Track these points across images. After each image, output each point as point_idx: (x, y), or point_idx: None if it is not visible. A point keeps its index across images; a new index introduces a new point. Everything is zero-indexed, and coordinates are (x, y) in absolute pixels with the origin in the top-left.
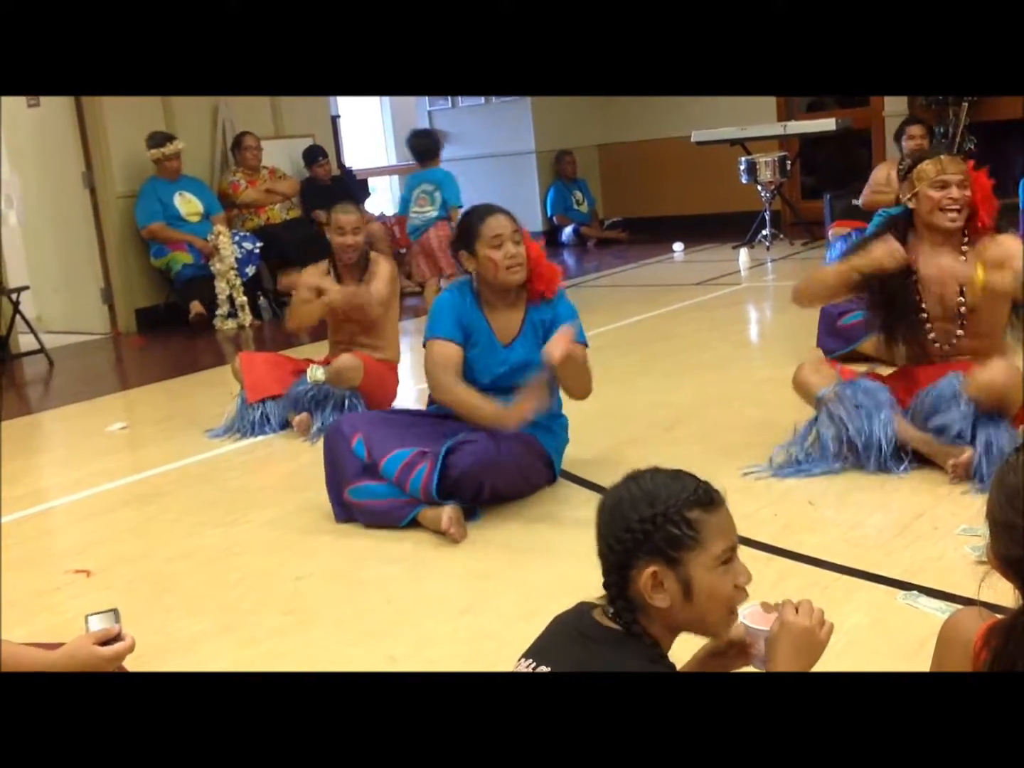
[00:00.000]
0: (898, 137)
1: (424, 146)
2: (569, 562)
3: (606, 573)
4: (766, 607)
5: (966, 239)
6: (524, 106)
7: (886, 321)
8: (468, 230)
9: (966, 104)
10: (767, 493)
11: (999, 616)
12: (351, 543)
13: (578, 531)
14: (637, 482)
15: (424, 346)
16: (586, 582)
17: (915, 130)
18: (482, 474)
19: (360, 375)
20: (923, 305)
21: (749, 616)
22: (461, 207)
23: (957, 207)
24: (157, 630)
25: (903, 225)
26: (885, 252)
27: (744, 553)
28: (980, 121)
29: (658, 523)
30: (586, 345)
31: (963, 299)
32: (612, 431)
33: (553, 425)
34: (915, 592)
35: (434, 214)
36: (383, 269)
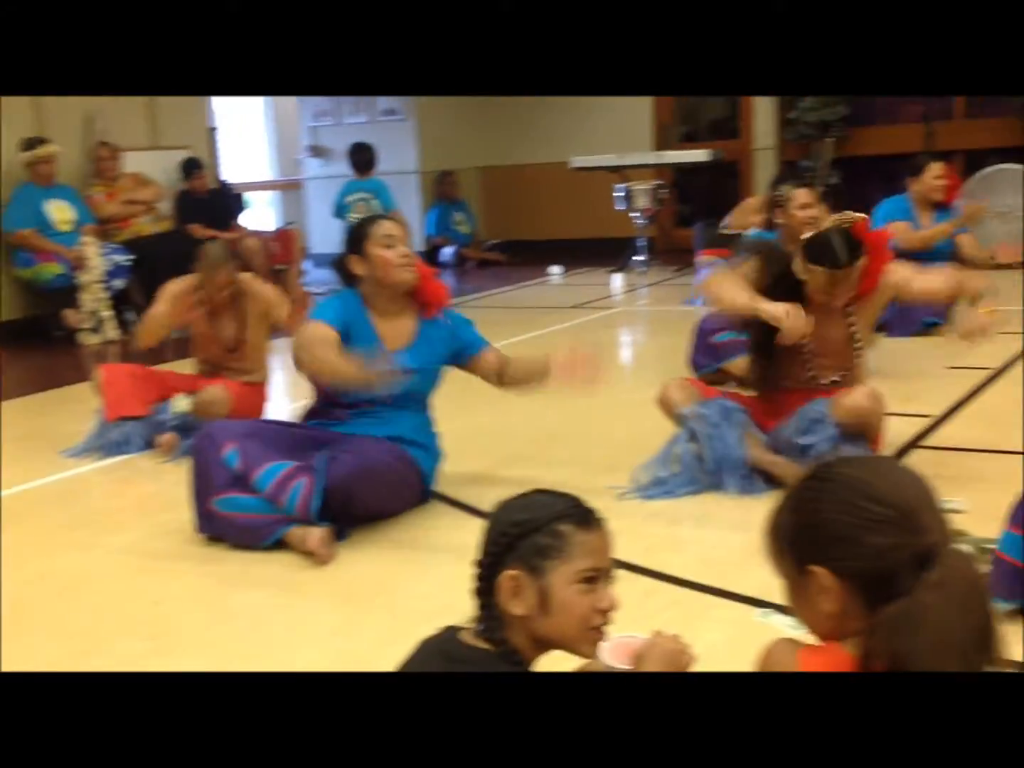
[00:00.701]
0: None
1: (362, 157)
2: (439, 585)
3: (478, 581)
4: (627, 642)
5: None
6: (408, 125)
7: (765, 347)
8: (358, 234)
9: (831, 140)
10: (633, 513)
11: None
12: (216, 567)
13: (448, 554)
14: (522, 496)
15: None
16: (456, 606)
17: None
18: (354, 488)
19: (227, 408)
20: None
21: (610, 650)
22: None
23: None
24: (12, 656)
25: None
26: (789, 322)
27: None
28: (845, 156)
29: (528, 530)
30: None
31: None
32: (486, 451)
33: (426, 441)
34: (769, 609)
35: None
36: (264, 292)
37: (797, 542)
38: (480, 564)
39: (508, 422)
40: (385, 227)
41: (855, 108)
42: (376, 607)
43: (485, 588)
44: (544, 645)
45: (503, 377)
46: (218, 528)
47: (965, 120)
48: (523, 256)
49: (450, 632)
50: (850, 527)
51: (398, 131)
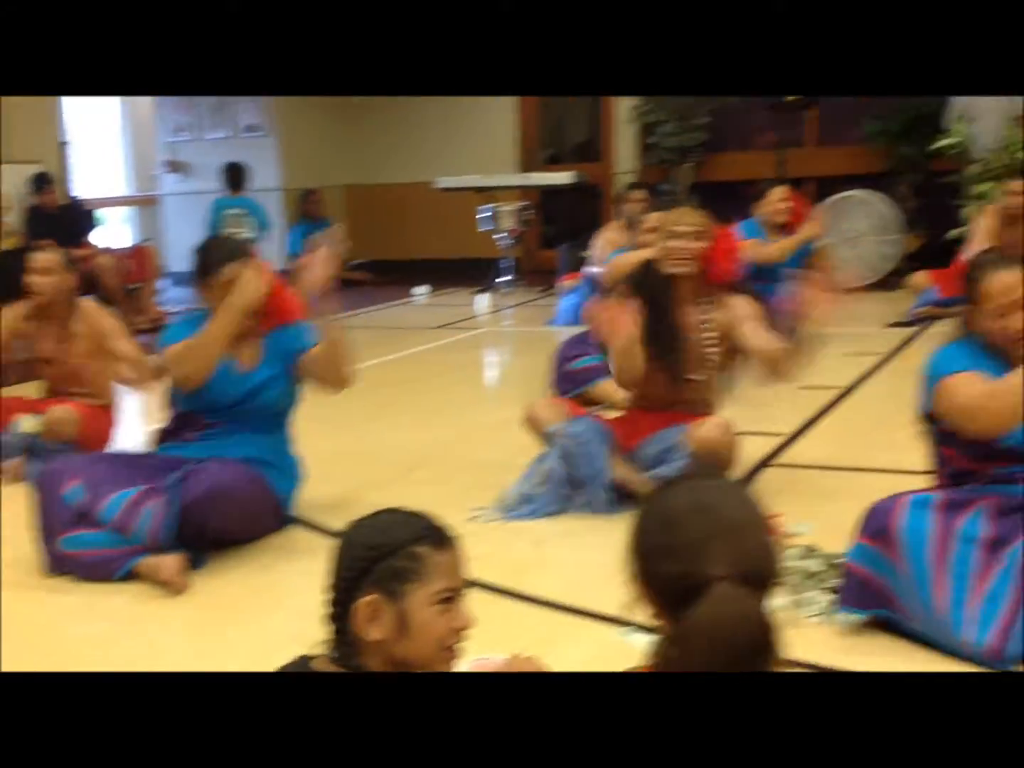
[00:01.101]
0: (619, 200)
1: (235, 175)
2: (296, 614)
3: (331, 607)
4: (484, 663)
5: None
6: (271, 142)
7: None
8: (206, 262)
9: (690, 165)
10: (498, 534)
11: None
12: (60, 598)
13: (307, 579)
14: (375, 517)
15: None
16: (312, 633)
17: (636, 194)
18: (208, 511)
19: (75, 428)
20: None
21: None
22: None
23: (687, 257)
24: None
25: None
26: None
27: (473, 595)
28: (702, 181)
29: (384, 554)
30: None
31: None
32: (349, 474)
33: (282, 463)
34: (631, 628)
35: (250, 236)
36: (99, 322)
37: (627, 557)
38: (333, 589)
39: (372, 444)
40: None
41: (712, 134)
42: (230, 637)
43: (339, 614)
44: (400, 667)
45: (317, 372)
46: (66, 567)
47: (816, 148)
48: (388, 276)
49: (303, 661)
50: (650, 551)
51: (260, 147)
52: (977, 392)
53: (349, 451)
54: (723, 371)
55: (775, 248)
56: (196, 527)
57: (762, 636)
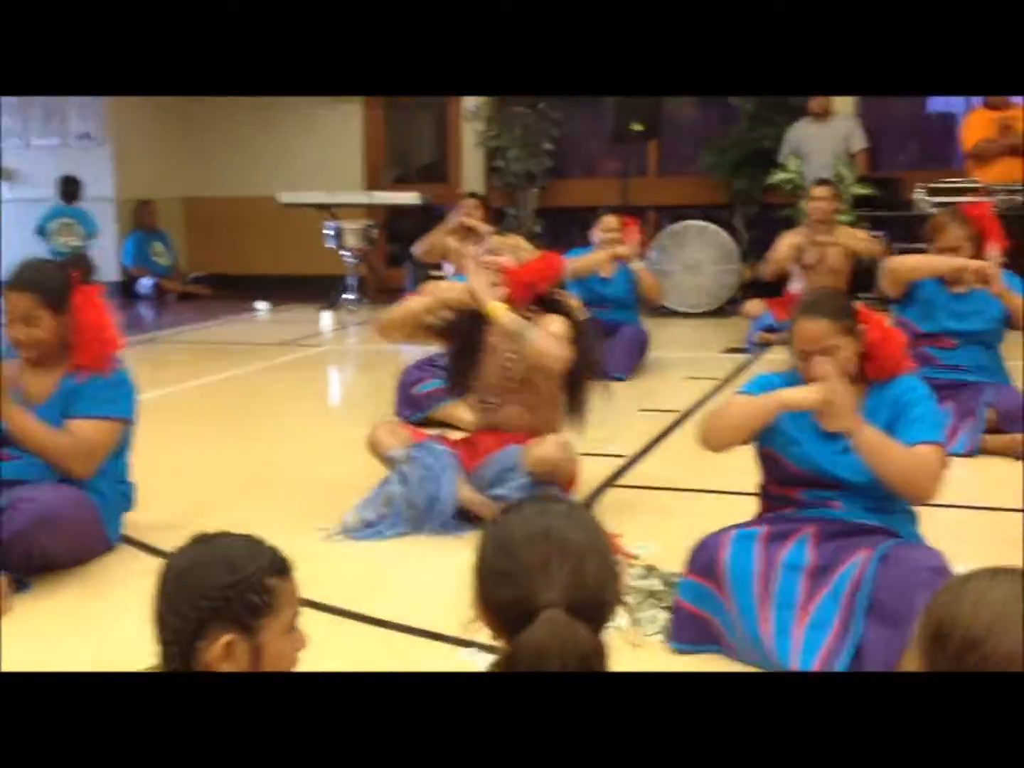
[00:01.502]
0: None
1: (70, 188)
2: (126, 637)
3: (169, 643)
4: None
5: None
6: (104, 150)
7: (458, 373)
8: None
9: (536, 190)
10: (341, 555)
11: None
12: None
13: (139, 598)
14: (210, 547)
15: None
16: (141, 659)
17: (470, 202)
18: (37, 534)
19: None
20: (483, 371)
21: None
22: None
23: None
24: None
25: None
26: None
27: (317, 617)
28: (548, 207)
29: (240, 590)
30: None
31: (515, 365)
32: (188, 494)
33: (108, 485)
34: (475, 648)
35: (79, 244)
36: None
37: (471, 579)
38: (173, 628)
39: (212, 462)
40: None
41: (558, 161)
42: (57, 665)
43: (184, 651)
44: None
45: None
46: None
47: (657, 178)
48: (228, 290)
49: None
50: (487, 575)
51: (93, 156)
52: (711, 411)
53: (188, 469)
54: (564, 393)
55: (585, 260)
56: (23, 553)
57: (583, 668)
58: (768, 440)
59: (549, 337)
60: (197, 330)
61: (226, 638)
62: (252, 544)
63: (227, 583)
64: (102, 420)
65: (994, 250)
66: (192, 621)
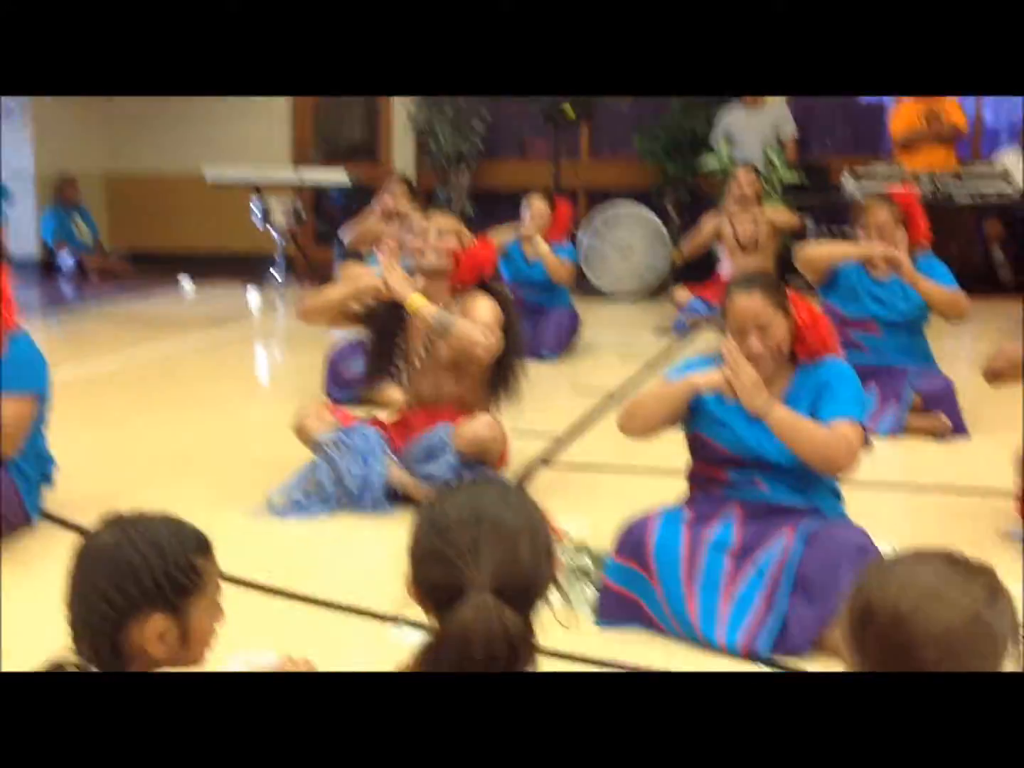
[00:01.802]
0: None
1: None
2: (48, 614)
3: (95, 627)
4: (255, 663)
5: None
6: (23, 124)
7: (377, 360)
8: None
9: (467, 170)
10: (268, 534)
11: None
12: None
13: (60, 576)
14: (133, 528)
15: None
16: (57, 635)
17: (396, 186)
18: None
19: None
20: (414, 350)
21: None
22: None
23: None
24: None
25: None
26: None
27: (246, 596)
28: (479, 188)
29: (169, 572)
30: None
31: (439, 348)
32: (110, 471)
33: (29, 467)
34: (405, 626)
35: None
36: None
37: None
38: (99, 611)
39: (137, 440)
40: None
41: (489, 142)
42: None
43: (111, 634)
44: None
45: None
46: None
47: (590, 161)
48: (152, 267)
49: (56, 666)
50: (420, 556)
51: (13, 130)
52: (631, 399)
53: (111, 446)
54: (494, 373)
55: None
56: None
57: (508, 650)
58: (696, 423)
59: (475, 326)
60: (120, 307)
61: (158, 620)
62: (175, 524)
63: (157, 566)
64: (14, 398)
65: (905, 236)
66: (121, 606)
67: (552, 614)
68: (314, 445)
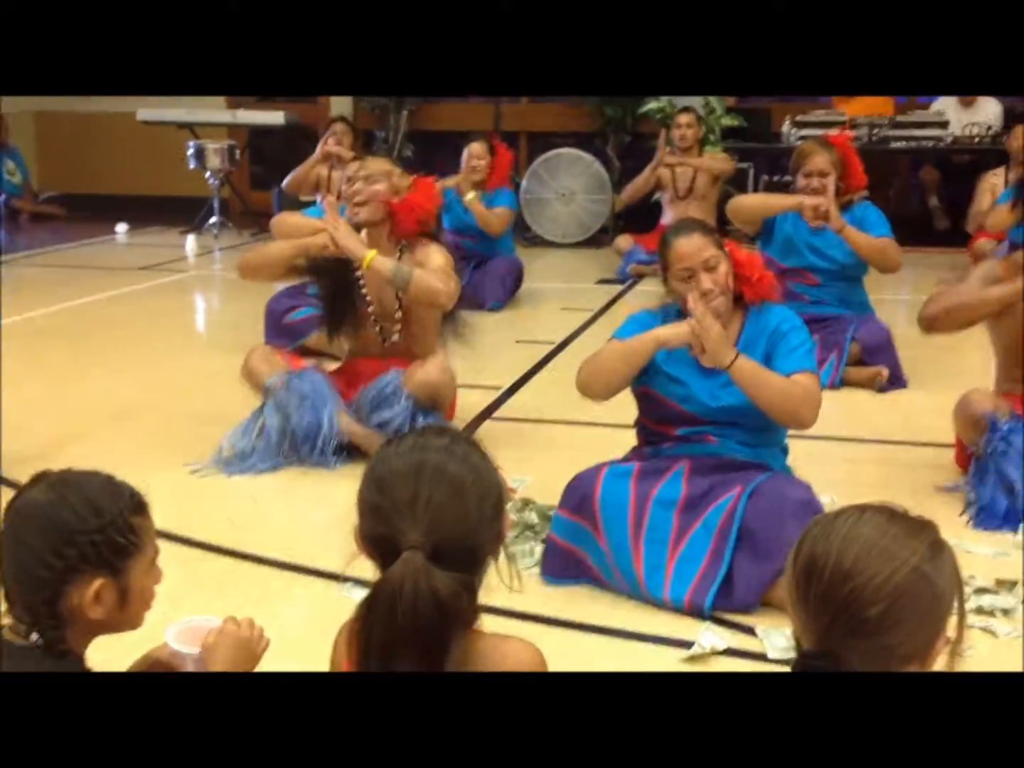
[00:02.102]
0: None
1: None
2: None
3: (30, 589)
4: (197, 627)
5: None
6: None
7: (333, 314)
8: None
9: (406, 112)
10: (212, 489)
11: None
12: None
13: None
14: (66, 488)
15: None
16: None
17: (338, 127)
18: None
19: None
20: (368, 300)
21: (178, 634)
22: None
23: (359, 201)
24: None
25: None
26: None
27: (187, 553)
28: (419, 130)
29: (107, 533)
30: None
31: (399, 298)
32: (46, 426)
33: None
34: (351, 584)
35: None
36: None
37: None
38: (35, 573)
39: (73, 393)
40: None
41: None
42: None
43: (49, 598)
44: (103, 633)
45: None
46: None
47: (529, 103)
48: (84, 211)
49: None
50: (363, 508)
51: None
52: (587, 360)
53: (45, 400)
54: (444, 322)
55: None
56: None
57: (436, 611)
58: (647, 380)
59: (433, 274)
60: (52, 253)
61: (97, 583)
62: (110, 482)
63: (94, 527)
64: None
65: (836, 183)
66: (58, 569)
67: (496, 572)
68: (263, 389)
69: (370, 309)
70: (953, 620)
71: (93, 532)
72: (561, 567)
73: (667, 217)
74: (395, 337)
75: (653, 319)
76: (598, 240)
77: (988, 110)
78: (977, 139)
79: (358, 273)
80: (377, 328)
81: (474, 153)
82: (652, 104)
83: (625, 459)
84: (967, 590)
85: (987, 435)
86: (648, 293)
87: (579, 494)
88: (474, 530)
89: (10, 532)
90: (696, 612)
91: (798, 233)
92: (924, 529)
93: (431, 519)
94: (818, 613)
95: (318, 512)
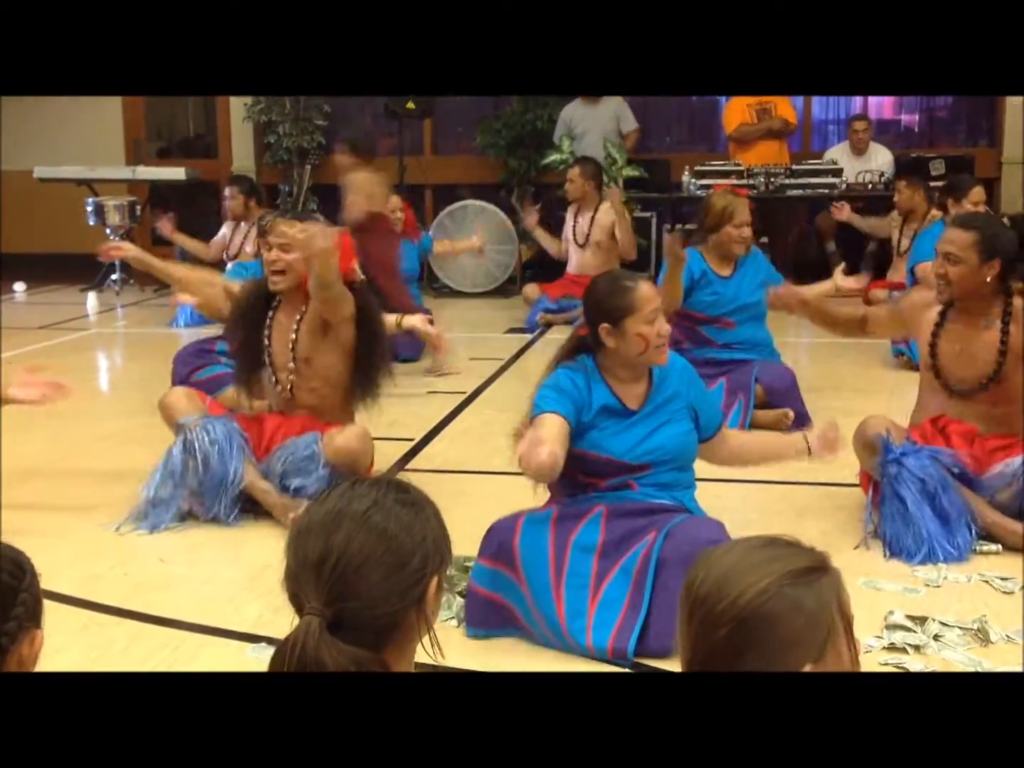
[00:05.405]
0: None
1: None
2: None
3: None
4: None
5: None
6: None
7: (241, 366)
8: None
9: (310, 166)
10: (118, 550)
11: None
12: None
13: None
14: None
15: None
16: None
17: (233, 190)
18: None
19: None
20: (270, 352)
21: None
22: None
23: (278, 269)
24: None
25: None
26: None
27: (92, 617)
28: (323, 183)
29: (33, 587)
30: None
31: (293, 348)
32: None
33: None
34: (263, 644)
35: None
36: None
37: None
38: None
39: None
40: None
41: (331, 137)
42: None
43: None
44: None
45: None
46: None
47: (433, 156)
48: None
49: None
50: (286, 565)
51: None
52: (527, 440)
53: None
54: (355, 375)
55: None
56: None
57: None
58: (580, 443)
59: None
60: None
61: (38, 634)
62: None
63: (27, 583)
64: None
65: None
66: (12, 631)
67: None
68: (178, 426)
69: (268, 359)
70: (842, 647)
71: (27, 588)
72: (484, 617)
73: (572, 264)
74: (292, 389)
75: (573, 377)
76: (506, 290)
77: (879, 158)
78: (870, 185)
79: (267, 324)
80: (274, 380)
81: (393, 204)
82: (555, 156)
83: (543, 506)
84: (880, 625)
85: (881, 457)
86: (557, 341)
87: (498, 541)
88: (384, 600)
89: None
90: (619, 659)
91: (713, 288)
92: (798, 556)
93: (334, 584)
94: (683, 639)
95: (227, 571)
